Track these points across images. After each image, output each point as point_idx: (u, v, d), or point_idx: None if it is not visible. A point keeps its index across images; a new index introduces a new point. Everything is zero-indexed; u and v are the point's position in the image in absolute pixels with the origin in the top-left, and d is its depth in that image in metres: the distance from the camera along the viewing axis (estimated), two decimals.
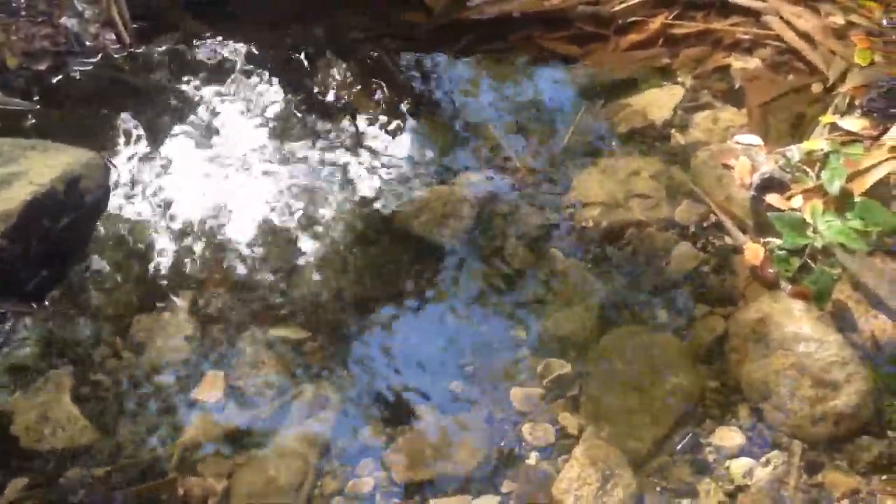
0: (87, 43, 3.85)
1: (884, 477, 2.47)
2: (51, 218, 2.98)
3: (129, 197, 3.24)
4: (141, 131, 3.50)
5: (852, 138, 3.18)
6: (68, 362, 2.75)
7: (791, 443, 2.54)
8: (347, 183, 3.31)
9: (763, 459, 2.51)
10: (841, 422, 2.52)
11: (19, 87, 3.66)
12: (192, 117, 3.57)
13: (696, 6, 3.97)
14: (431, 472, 2.50)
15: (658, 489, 2.45)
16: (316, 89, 3.73)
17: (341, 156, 3.43)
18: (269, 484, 2.46)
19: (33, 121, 3.50)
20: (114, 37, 3.87)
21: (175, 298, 2.92)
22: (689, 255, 3.00)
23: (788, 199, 3.03)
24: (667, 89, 3.65)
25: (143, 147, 3.44)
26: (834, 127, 3.24)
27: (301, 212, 3.20)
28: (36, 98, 3.61)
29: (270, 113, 3.61)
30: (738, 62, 3.71)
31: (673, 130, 3.47)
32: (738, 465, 2.49)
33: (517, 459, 2.53)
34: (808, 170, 3.11)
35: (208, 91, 3.71)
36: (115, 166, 3.32)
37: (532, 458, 2.53)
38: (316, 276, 2.99)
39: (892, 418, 2.58)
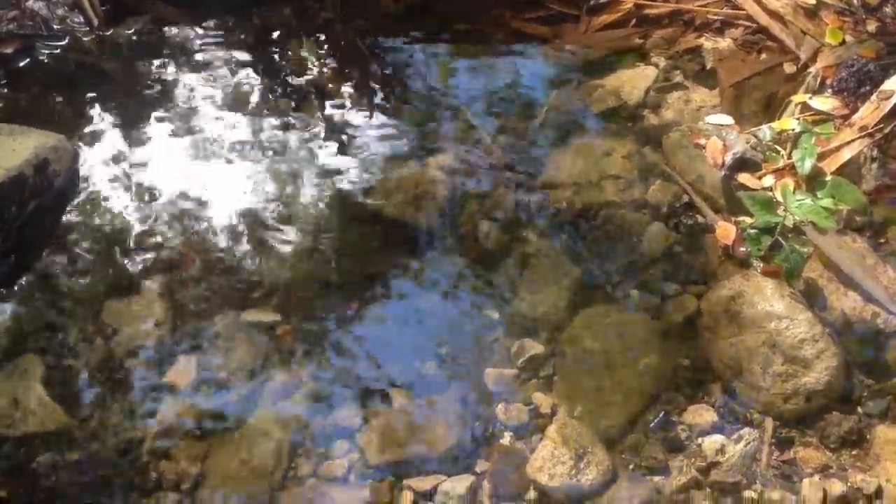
0: (55, 26, 3.80)
1: (854, 452, 2.50)
2: (19, 203, 2.95)
3: (98, 181, 3.20)
4: (109, 115, 3.46)
5: (823, 117, 3.20)
6: (39, 347, 2.72)
7: (763, 419, 2.57)
8: (320, 165, 3.29)
9: (735, 436, 2.53)
10: (812, 398, 2.55)
11: None
12: (160, 101, 3.53)
13: None
14: (406, 453, 2.50)
15: (631, 467, 2.47)
16: (286, 71, 3.70)
17: (313, 138, 3.41)
18: (243, 467, 2.46)
19: (0, 104, 3.46)
20: (82, 20, 3.82)
21: (146, 283, 2.89)
22: (661, 234, 3.01)
23: (760, 178, 3.05)
24: (639, 70, 3.65)
25: (111, 131, 3.40)
26: (805, 106, 3.25)
27: (273, 195, 3.18)
28: (3, 81, 3.56)
29: (240, 96, 3.57)
30: (709, 42, 3.71)
31: (646, 111, 3.48)
32: (711, 442, 2.51)
33: (491, 439, 2.54)
34: (779, 149, 3.12)
35: (177, 74, 3.67)
36: (83, 150, 3.28)
37: (506, 438, 2.54)
38: (288, 259, 2.98)
39: (861, 394, 2.61)
